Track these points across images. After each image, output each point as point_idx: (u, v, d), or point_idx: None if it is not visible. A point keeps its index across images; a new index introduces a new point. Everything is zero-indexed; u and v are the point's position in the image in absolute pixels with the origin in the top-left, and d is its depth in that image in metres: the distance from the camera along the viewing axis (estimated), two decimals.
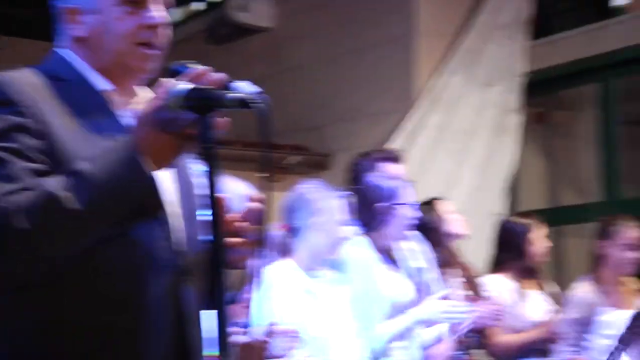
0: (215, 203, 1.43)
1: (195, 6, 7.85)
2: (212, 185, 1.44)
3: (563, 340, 4.00)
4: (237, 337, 2.19)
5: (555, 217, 6.03)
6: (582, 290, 4.08)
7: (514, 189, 6.29)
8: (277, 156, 6.30)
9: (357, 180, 3.54)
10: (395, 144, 5.75)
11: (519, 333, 4.09)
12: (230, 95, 1.45)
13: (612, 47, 5.95)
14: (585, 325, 3.98)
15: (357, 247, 3.27)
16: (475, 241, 4.96)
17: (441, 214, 3.94)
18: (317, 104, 6.74)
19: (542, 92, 6.37)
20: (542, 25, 6.39)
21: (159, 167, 1.47)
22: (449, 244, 3.96)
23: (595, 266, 4.12)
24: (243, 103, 1.44)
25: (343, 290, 3.14)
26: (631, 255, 4.01)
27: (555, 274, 6.02)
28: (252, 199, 1.55)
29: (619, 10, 6.39)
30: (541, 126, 6.68)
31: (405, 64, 6.30)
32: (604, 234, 4.09)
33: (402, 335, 3.31)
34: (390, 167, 3.64)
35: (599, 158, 6.25)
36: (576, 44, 6.18)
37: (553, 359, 4.05)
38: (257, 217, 1.55)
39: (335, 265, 3.19)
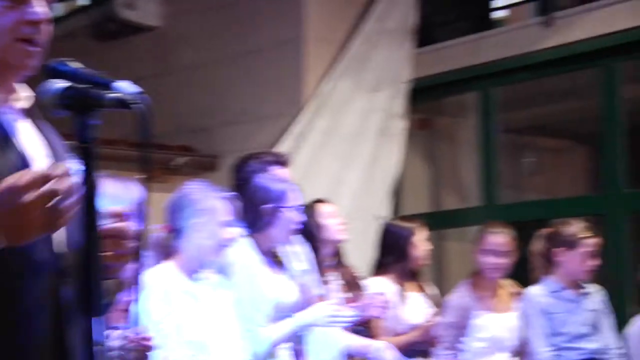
0: (91, 205, 1.41)
1: (80, 1, 7.65)
2: (89, 187, 1.42)
3: (441, 343, 4.10)
4: (114, 342, 2.16)
5: (437, 221, 6.18)
6: (459, 294, 4.20)
7: (398, 192, 6.41)
8: (165, 157, 6.22)
9: (244, 181, 3.54)
10: (283, 146, 5.78)
11: (399, 335, 4.15)
12: (109, 94, 1.44)
13: (493, 57, 6.14)
14: (460, 328, 4.09)
15: (241, 248, 3.27)
16: (359, 244, 5.04)
17: (323, 218, 3.98)
18: (206, 106, 6.69)
19: (426, 98, 6.48)
20: (427, 34, 6.51)
21: (15, 242, 1.39)
22: (330, 247, 4.01)
23: (473, 270, 4.26)
24: (122, 103, 1.43)
25: (226, 292, 3.13)
26: (495, 260, 4.13)
27: (437, 277, 6.19)
28: (113, 215, 1.52)
29: (499, 22, 6.63)
30: (424, 132, 6.81)
31: (294, 68, 6.33)
32: (477, 240, 4.24)
33: (287, 339, 3.34)
34: (278, 170, 3.66)
35: (479, 164, 6.42)
36: (459, 53, 6.35)
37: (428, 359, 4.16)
38: (123, 232, 1.53)
39: (219, 267, 3.19)
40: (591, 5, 5.71)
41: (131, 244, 1.54)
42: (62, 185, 1.35)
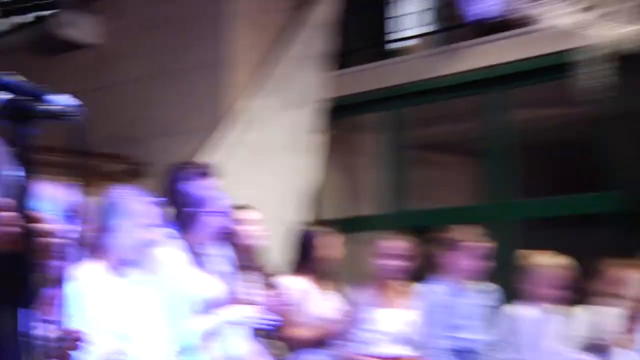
0: (24, 207, 1.43)
1: (22, 18, 7.51)
2: (24, 190, 1.45)
3: (345, 336, 4.17)
4: (41, 333, 2.15)
5: (352, 226, 6.26)
6: (362, 292, 4.27)
7: (318, 200, 6.49)
8: (100, 164, 6.17)
9: (173, 188, 3.57)
10: (213, 157, 5.81)
11: (310, 328, 4.20)
12: (47, 106, 1.47)
13: (402, 81, 6.29)
14: (362, 323, 4.16)
15: (169, 248, 3.30)
16: (280, 246, 5.10)
17: (245, 223, 4.02)
18: (139, 118, 6.68)
19: (343, 116, 6.60)
20: (344, 59, 6.64)
21: None
22: (251, 250, 4.04)
23: (376, 271, 4.32)
24: (60, 115, 1.47)
25: (152, 288, 3.14)
26: (395, 263, 4.22)
27: (350, 277, 6.28)
28: (36, 216, 1.54)
29: (407, 50, 6.81)
30: (342, 146, 6.90)
31: (219, 86, 6.39)
32: (379, 245, 4.32)
33: (210, 333, 3.36)
34: (203, 178, 3.69)
35: (390, 175, 6.56)
36: (372, 77, 6.48)
37: (336, 352, 4.19)
38: (48, 232, 1.54)
39: (145, 265, 3.20)
40: (487, 38, 5.91)
41: (56, 242, 1.55)
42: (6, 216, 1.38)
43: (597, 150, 5.53)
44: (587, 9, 4.94)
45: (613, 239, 5.30)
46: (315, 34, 6.59)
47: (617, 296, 4.26)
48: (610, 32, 4.93)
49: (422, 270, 4.37)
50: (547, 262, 4.22)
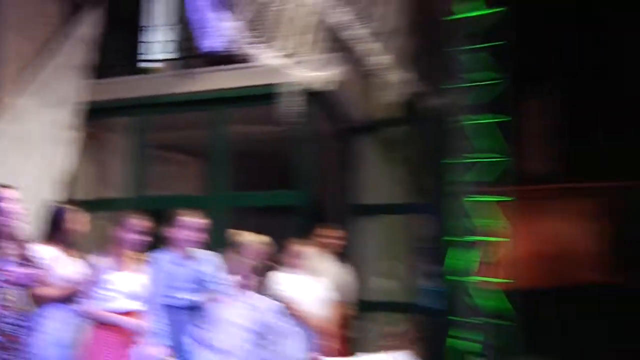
0: None
1: None
2: None
3: (86, 293, 4.17)
4: None
5: (100, 206, 6.21)
6: (102, 258, 4.25)
7: (71, 185, 6.28)
8: None
9: None
10: None
11: (58, 288, 4.16)
12: None
13: (148, 93, 6.33)
14: (100, 283, 4.17)
15: None
16: (35, 221, 4.94)
17: (5, 200, 3.90)
18: None
19: (98, 118, 6.45)
20: (101, 71, 6.50)
21: None
22: (8, 223, 3.92)
23: (116, 242, 4.36)
24: None
25: None
26: (132, 236, 4.26)
27: (95, 246, 6.21)
28: None
29: (153, 70, 6.89)
30: (95, 142, 6.78)
31: None
32: (121, 222, 4.38)
33: None
34: None
35: (134, 167, 6.53)
36: (124, 87, 6.45)
37: (79, 307, 4.19)
38: None
39: None
40: (216, 67, 6.16)
41: None
42: None
43: (291, 159, 6.02)
44: (288, 55, 5.41)
45: (297, 224, 5.88)
46: (78, 47, 6.41)
47: (296, 265, 4.78)
48: (303, 74, 5.46)
49: (155, 243, 4.44)
50: (251, 240, 4.48)
